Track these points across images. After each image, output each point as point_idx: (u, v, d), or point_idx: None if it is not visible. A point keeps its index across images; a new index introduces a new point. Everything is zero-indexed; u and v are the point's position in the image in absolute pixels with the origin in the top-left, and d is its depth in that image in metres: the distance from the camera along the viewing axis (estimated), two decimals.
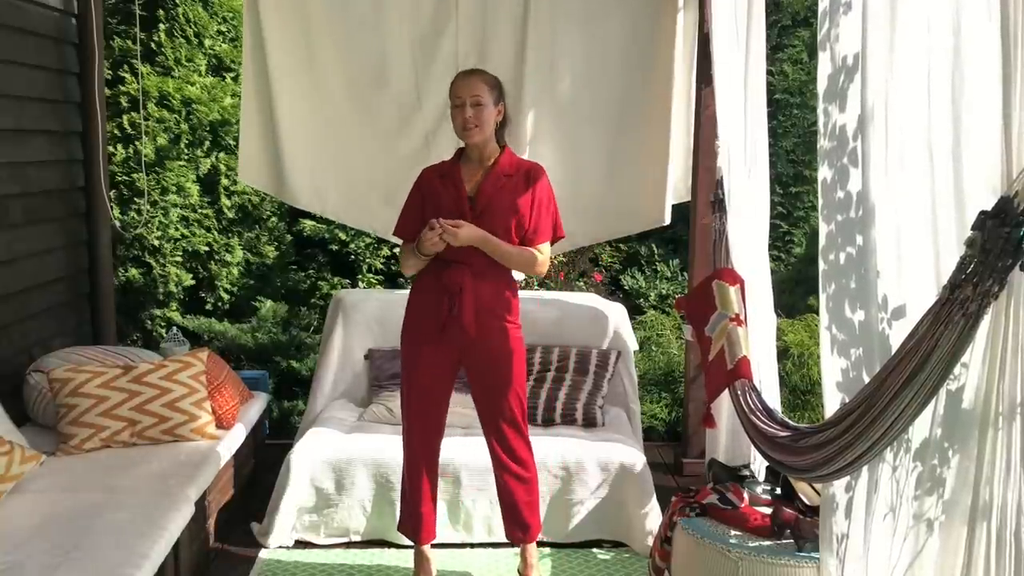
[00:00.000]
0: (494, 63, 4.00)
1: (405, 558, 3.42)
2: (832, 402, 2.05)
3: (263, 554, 3.50)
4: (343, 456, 3.58)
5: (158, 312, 5.57)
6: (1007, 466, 1.54)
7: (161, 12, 5.50)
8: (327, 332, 4.32)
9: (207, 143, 5.59)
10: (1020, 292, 1.48)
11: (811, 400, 4.71)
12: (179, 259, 5.56)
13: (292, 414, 5.20)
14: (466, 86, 3.03)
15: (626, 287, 6.25)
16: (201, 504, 3.23)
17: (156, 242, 5.46)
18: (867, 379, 1.88)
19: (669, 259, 6.31)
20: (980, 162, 1.56)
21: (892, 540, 1.86)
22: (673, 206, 4.41)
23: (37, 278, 3.95)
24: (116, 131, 5.34)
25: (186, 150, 5.51)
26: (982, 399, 1.58)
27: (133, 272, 5.46)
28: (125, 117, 5.36)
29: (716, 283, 3.29)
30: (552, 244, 3.19)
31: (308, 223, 5.84)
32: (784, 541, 2.60)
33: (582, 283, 6.00)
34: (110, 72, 5.29)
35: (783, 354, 4.75)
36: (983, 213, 1.48)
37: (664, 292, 6.16)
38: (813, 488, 2.68)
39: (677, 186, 4.42)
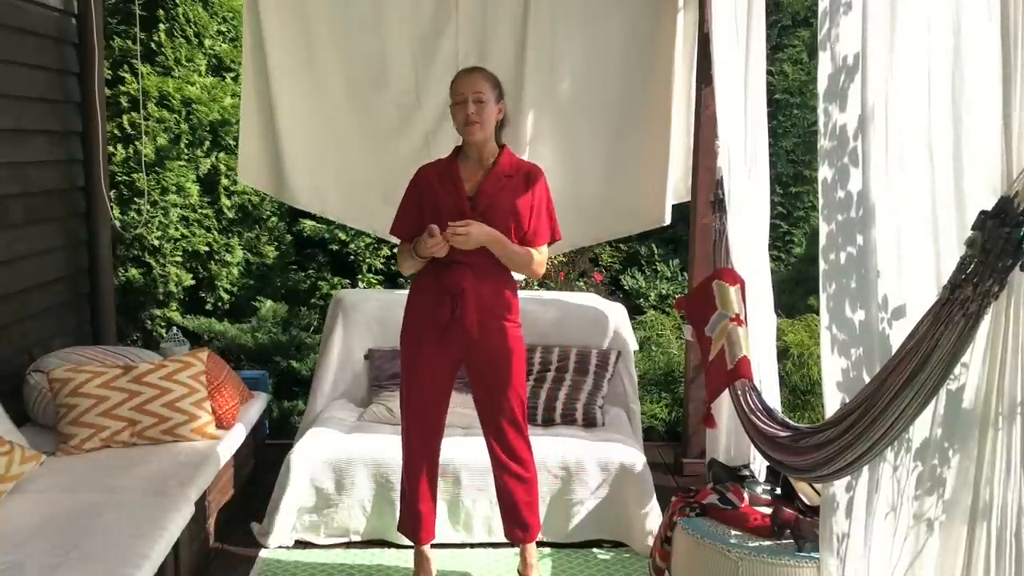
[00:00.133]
0: (494, 63, 4.00)
1: (405, 558, 3.42)
2: (832, 402, 2.05)
3: (263, 554, 3.49)
4: (343, 456, 3.58)
5: (158, 312, 5.57)
6: (1007, 466, 1.54)
7: (161, 12, 5.50)
8: (327, 332, 4.32)
9: (207, 143, 5.59)
10: (1020, 292, 1.48)
11: (811, 400, 4.71)
12: (179, 259, 5.56)
13: (292, 414, 5.20)
14: (468, 83, 3.03)
15: (626, 287, 6.25)
16: (201, 504, 3.23)
17: (156, 242, 5.46)
18: (867, 379, 1.88)
19: (669, 259, 6.31)
20: (980, 162, 1.56)
21: (893, 540, 1.86)
22: (673, 206, 4.42)
23: (37, 278, 3.95)
24: (116, 131, 5.34)
25: (186, 150, 5.51)
26: (982, 399, 1.58)
27: (133, 272, 5.46)
28: (125, 117, 5.36)
29: (716, 283, 3.29)
30: (548, 246, 3.19)
31: (308, 223, 5.84)
32: (784, 541, 2.60)
33: (582, 283, 6.00)
34: (110, 72, 5.29)
35: (783, 354, 4.75)
36: (983, 213, 1.48)
37: (664, 292, 6.16)
38: (813, 488, 2.68)
39: (677, 186, 4.42)
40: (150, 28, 5.47)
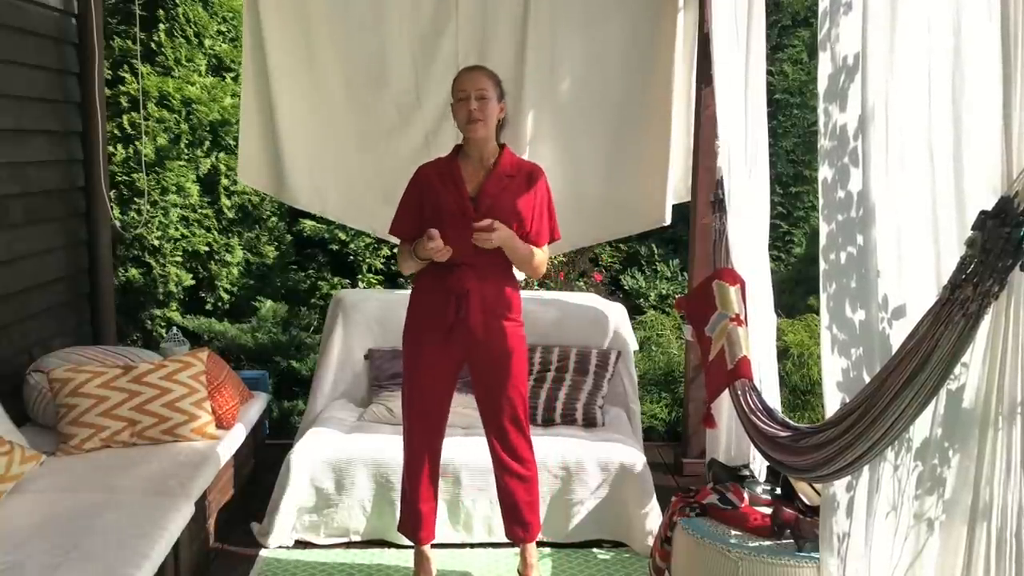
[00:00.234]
0: (494, 63, 3.99)
1: (405, 558, 3.42)
2: (832, 402, 2.05)
3: (263, 554, 3.49)
4: (343, 456, 3.58)
5: (158, 312, 5.57)
6: (1007, 466, 1.54)
7: (161, 12, 5.50)
8: (327, 332, 4.32)
9: (207, 143, 5.59)
10: (1020, 292, 1.48)
11: (811, 400, 4.71)
12: (179, 259, 5.56)
13: (292, 414, 5.19)
14: (471, 80, 3.03)
15: (626, 287, 6.25)
16: (201, 504, 3.23)
17: (156, 242, 5.46)
18: (867, 379, 1.88)
19: (669, 259, 6.31)
20: (980, 162, 1.56)
21: (894, 539, 1.86)
22: (673, 206, 4.41)
23: (37, 278, 3.95)
24: (116, 131, 5.34)
25: (186, 150, 5.51)
26: (982, 399, 1.58)
27: (133, 272, 5.46)
28: (125, 117, 5.36)
29: (716, 283, 3.29)
30: (547, 246, 3.20)
31: (308, 223, 5.84)
32: (784, 541, 2.60)
33: (582, 283, 6.00)
34: (110, 72, 5.29)
35: (783, 354, 4.75)
36: (983, 213, 1.48)
37: (664, 292, 6.16)
38: (813, 488, 2.68)
39: (677, 186, 4.42)
40: (150, 28, 5.47)
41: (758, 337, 3.18)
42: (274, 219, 5.86)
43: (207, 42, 5.66)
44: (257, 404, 4.06)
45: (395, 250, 5.76)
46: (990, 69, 1.50)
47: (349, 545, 3.58)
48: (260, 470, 4.14)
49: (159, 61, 5.52)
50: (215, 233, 5.67)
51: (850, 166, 1.97)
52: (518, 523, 3.23)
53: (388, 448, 3.57)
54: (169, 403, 3.47)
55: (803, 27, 6.34)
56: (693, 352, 4.17)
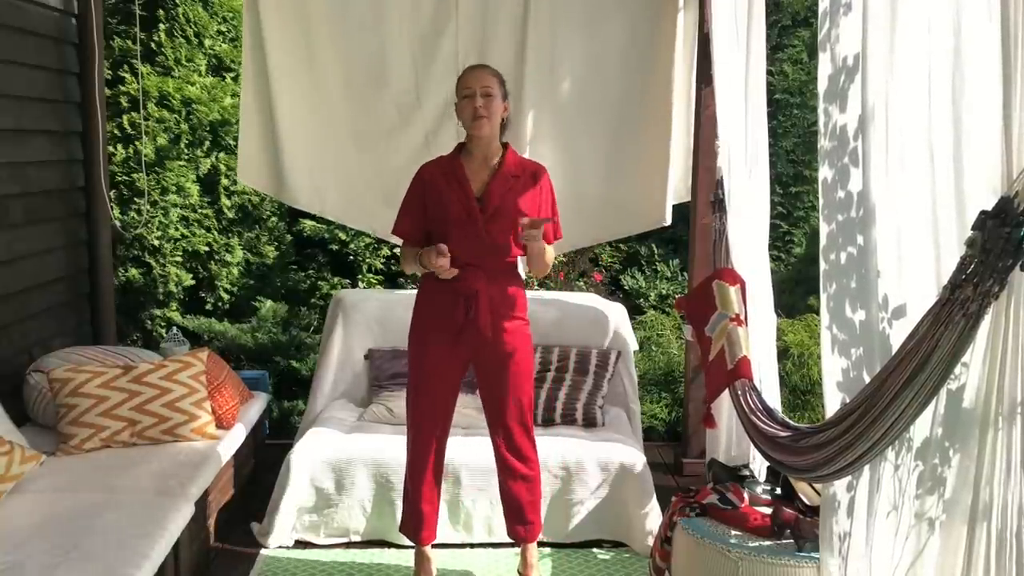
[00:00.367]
0: (494, 63, 3.96)
1: (405, 558, 3.42)
2: (832, 402, 2.05)
3: (263, 554, 3.49)
4: (343, 456, 3.58)
5: (158, 312, 5.57)
6: (1007, 466, 1.55)
7: (161, 12, 5.50)
8: (327, 332, 4.32)
9: (207, 143, 5.59)
10: (1020, 292, 1.48)
11: (811, 400, 4.71)
12: (179, 259, 5.56)
13: (292, 414, 5.20)
14: (476, 77, 3.03)
15: (626, 287, 6.26)
16: (201, 504, 3.23)
17: (156, 242, 5.46)
18: (867, 379, 1.88)
19: (669, 259, 6.31)
20: (980, 162, 1.56)
21: (895, 539, 1.86)
22: (673, 206, 4.41)
23: (37, 278, 3.95)
24: (116, 131, 5.34)
25: (186, 150, 5.51)
26: (983, 399, 1.58)
27: (133, 272, 5.46)
28: (125, 117, 5.36)
29: (716, 283, 3.29)
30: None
31: (308, 223, 5.84)
32: (784, 541, 2.60)
33: (582, 283, 6.01)
34: (110, 72, 5.29)
35: (783, 354, 4.75)
36: (983, 213, 1.48)
37: (664, 292, 6.16)
38: (813, 488, 2.68)
39: (677, 186, 4.42)
40: (150, 28, 5.47)
41: (758, 337, 3.18)
42: (274, 219, 5.86)
43: (207, 42, 5.66)
44: (257, 404, 4.06)
45: (395, 250, 5.79)
46: (990, 70, 1.50)
47: (349, 545, 3.58)
48: (260, 470, 4.14)
49: (159, 61, 5.52)
50: (215, 233, 5.67)
51: (850, 166, 1.97)
52: (520, 522, 3.24)
53: (388, 448, 3.57)
54: (169, 403, 3.47)
55: (803, 27, 6.34)
56: (693, 352, 4.17)
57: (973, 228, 1.50)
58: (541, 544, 3.45)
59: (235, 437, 3.67)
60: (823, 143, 2.05)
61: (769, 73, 5.01)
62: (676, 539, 2.83)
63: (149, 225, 5.38)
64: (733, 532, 2.68)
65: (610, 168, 4.36)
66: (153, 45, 5.50)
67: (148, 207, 5.27)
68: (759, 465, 3.20)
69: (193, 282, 5.66)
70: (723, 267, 3.48)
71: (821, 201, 2.09)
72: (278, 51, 4.18)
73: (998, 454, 1.56)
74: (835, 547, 2.12)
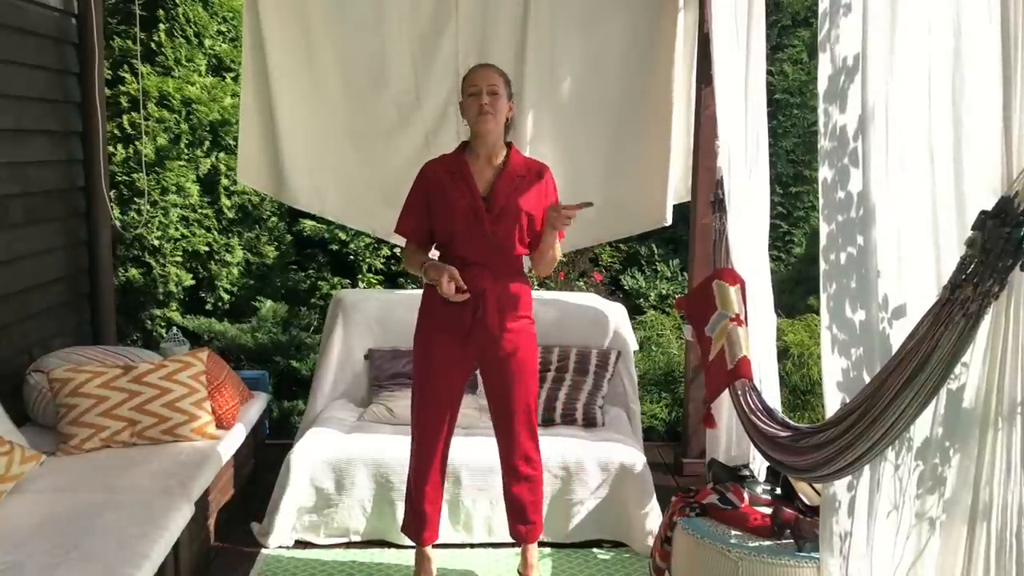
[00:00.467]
0: (494, 63, 4.00)
1: (405, 558, 3.42)
2: (832, 402, 2.05)
3: (263, 554, 3.50)
4: (343, 456, 3.58)
5: (158, 312, 5.57)
6: (1007, 466, 1.55)
7: (161, 12, 5.50)
8: (327, 332, 4.32)
9: (207, 143, 5.59)
10: (1020, 292, 1.48)
11: (811, 400, 4.71)
12: (179, 259, 5.56)
13: (292, 414, 5.20)
14: (483, 76, 3.03)
15: (626, 287, 6.26)
16: (201, 504, 3.23)
17: (156, 242, 5.46)
18: (868, 379, 1.88)
19: (669, 259, 6.31)
20: (980, 163, 1.56)
21: (896, 538, 1.86)
22: (673, 206, 4.41)
23: (37, 278, 3.95)
24: (116, 131, 5.34)
25: (186, 150, 5.52)
26: (983, 399, 1.58)
27: (133, 272, 5.46)
28: (125, 117, 5.36)
29: (716, 283, 3.29)
30: None
31: (308, 223, 5.84)
32: (784, 541, 2.60)
33: (582, 283, 6.01)
34: (110, 72, 5.29)
35: (783, 354, 4.75)
36: (983, 213, 1.48)
37: (664, 292, 6.16)
38: (813, 488, 2.68)
39: (677, 186, 4.42)
40: (150, 28, 5.47)
41: (758, 337, 3.18)
42: (274, 219, 5.86)
43: (207, 42, 5.66)
44: (257, 404, 4.06)
45: (395, 250, 5.79)
46: (990, 71, 1.50)
47: (349, 545, 3.58)
48: (260, 470, 4.14)
49: (159, 61, 5.52)
50: (215, 233, 5.67)
51: (850, 167, 1.97)
52: (522, 522, 3.24)
53: (388, 448, 3.57)
54: (169, 403, 3.47)
55: (803, 27, 6.34)
56: (693, 352, 4.17)
57: (973, 228, 1.50)
58: (541, 544, 3.45)
59: (235, 437, 3.67)
60: (823, 143, 2.05)
61: (769, 73, 5.01)
62: (676, 539, 2.83)
63: (149, 225, 5.38)
64: (733, 532, 2.69)
65: (610, 168, 4.35)
66: (153, 45, 5.50)
67: (148, 207, 5.27)
68: (759, 465, 3.21)
69: (193, 282, 5.66)
70: (723, 267, 3.48)
71: (821, 201, 2.09)
72: (278, 51, 4.18)
73: (998, 454, 1.56)
74: (835, 547, 2.12)
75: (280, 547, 3.55)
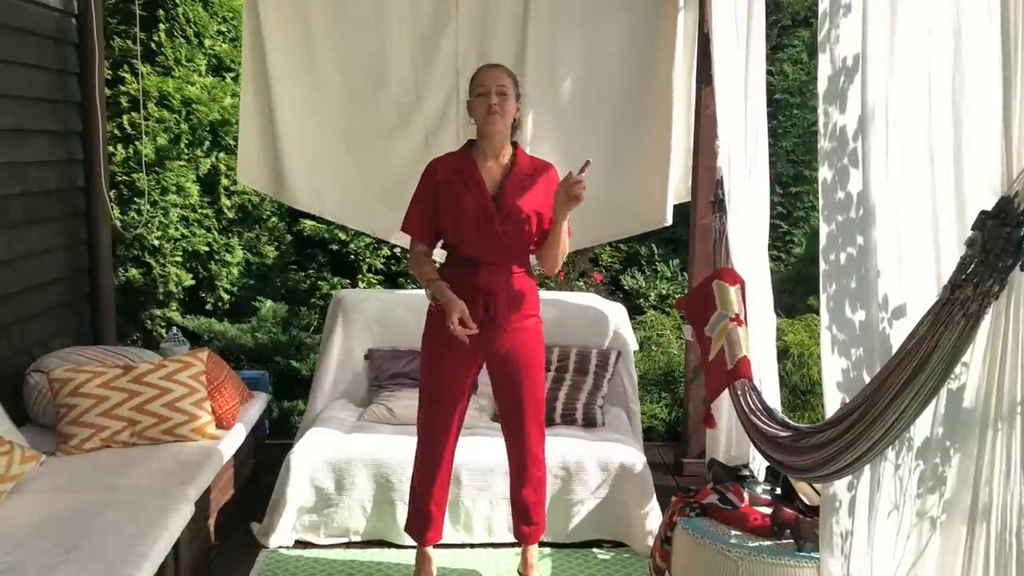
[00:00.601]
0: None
1: (405, 558, 3.42)
2: (832, 402, 2.06)
3: (263, 554, 3.50)
4: (343, 456, 3.58)
5: (158, 312, 5.57)
6: (1007, 466, 1.55)
7: (161, 12, 5.50)
8: (327, 332, 4.32)
9: (207, 143, 5.59)
10: (1020, 292, 1.48)
11: (811, 400, 4.71)
12: (179, 259, 5.56)
13: (292, 414, 5.20)
14: (492, 76, 3.03)
15: (626, 287, 6.26)
16: (201, 504, 3.23)
17: (156, 242, 5.46)
18: (868, 379, 1.88)
19: (669, 259, 6.31)
20: (980, 163, 1.56)
21: (896, 538, 1.86)
22: (673, 206, 4.41)
23: (37, 278, 3.95)
24: (116, 131, 5.34)
25: (186, 150, 5.52)
26: (983, 398, 1.58)
27: (133, 272, 5.46)
28: (125, 117, 5.36)
29: (716, 283, 3.29)
30: None
31: (308, 223, 5.84)
32: (784, 541, 2.60)
33: (582, 283, 6.01)
34: (110, 72, 5.29)
35: (783, 354, 4.75)
36: (983, 213, 1.48)
37: (664, 292, 6.16)
38: (813, 488, 2.68)
39: (677, 186, 4.42)
40: (150, 28, 5.47)
41: (758, 337, 3.18)
42: (274, 219, 5.86)
43: (207, 42, 5.66)
44: (257, 404, 4.06)
45: (396, 250, 5.80)
46: (990, 71, 1.50)
47: (349, 545, 3.58)
48: (260, 470, 4.14)
49: (159, 61, 5.52)
50: (215, 233, 5.67)
51: (850, 167, 1.97)
52: (526, 522, 3.25)
53: (388, 448, 3.57)
54: (169, 403, 3.47)
55: (803, 27, 6.34)
56: (693, 352, 4.17)
57: (973, 228, 1.50)
58: (541, 544, 3.45)
59: (235, 437, 3.67)
60: (823, 144, 2.05)
61: (769, 73, 5.02)
62: (676, 539, 2.83)
63: (149, 225, 5.38)
64: (733, 532, 2.69)
65: (610, 168, 4.35)
66: (153, 45, 5.50)
67: (148, 207, 5.27)
68: (759, 465, 3.21)
69: (193, 282, 5.66)
70: (723, 267, 3.48)
71: (821, 201, 2.09)
72: (278, 51, 4.18)
73: (998, 454, 1.56)
74: (836, 547, 2.12)
75: (280, 547, 3.55)
